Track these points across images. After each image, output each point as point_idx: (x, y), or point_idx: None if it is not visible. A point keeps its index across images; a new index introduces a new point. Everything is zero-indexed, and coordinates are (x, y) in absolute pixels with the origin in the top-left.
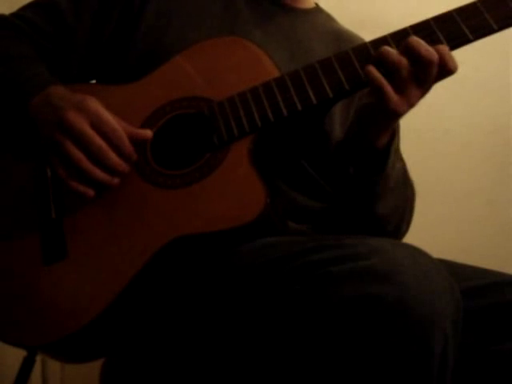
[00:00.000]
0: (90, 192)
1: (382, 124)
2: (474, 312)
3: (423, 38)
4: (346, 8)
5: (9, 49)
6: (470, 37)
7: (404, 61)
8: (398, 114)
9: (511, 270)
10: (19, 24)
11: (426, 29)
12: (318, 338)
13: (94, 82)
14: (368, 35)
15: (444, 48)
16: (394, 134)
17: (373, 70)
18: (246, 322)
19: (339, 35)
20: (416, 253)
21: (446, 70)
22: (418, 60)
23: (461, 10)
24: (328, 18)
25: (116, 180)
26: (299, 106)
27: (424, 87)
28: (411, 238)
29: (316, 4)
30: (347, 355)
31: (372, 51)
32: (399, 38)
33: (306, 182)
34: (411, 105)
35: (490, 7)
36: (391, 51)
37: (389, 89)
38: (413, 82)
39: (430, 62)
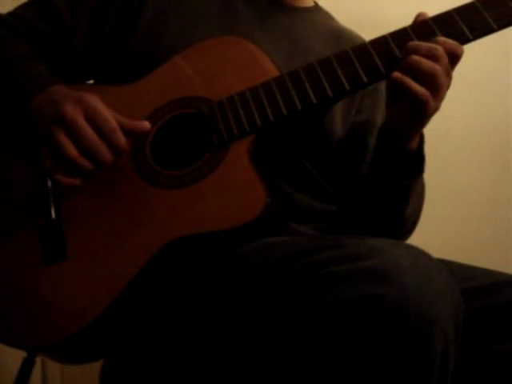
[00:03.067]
0: (75, 181)
1: (416, 127)
2: (474, 312)
3: (422, 37)
4: (346, 8)
5: (8, 49)
6: (470, 36)
7: (438, 67)
8: (433, 113)
9: (511, 270)
10: (16, 23)
11: (425, 28)
12: (319, 338)
13: (91, 82)
14: (367, 35)
15: (442, 38)
16: (423, 136)
17: (413, 84)
18: (246, 323)
19: (338, 34)
20: (416, 253)
21: (455, 58)
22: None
23: (460, 10)
24: (327, 16)
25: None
26: (299, 106)
27: (451, 78)
28: (411, 237)
29: (315, 3)
30: (347, 356)
31: (371, 50)
32: (399, 37)
33: (306, 182)
34: (442, 99)
35: (490, 6)
36: (423, 61)
37: (428, 96)
38: (445, 81)
39: (457, 56)
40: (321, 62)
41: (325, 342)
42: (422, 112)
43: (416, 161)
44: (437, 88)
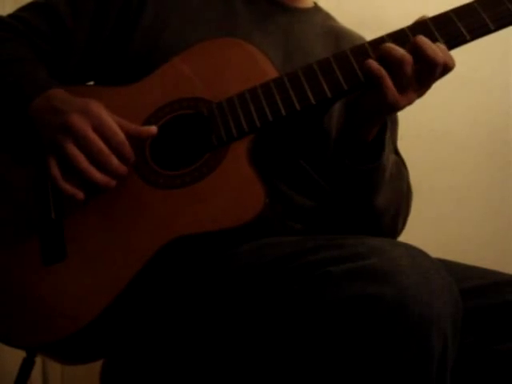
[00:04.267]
0: (81, 195)
1: (375, 119)
2: (473, 312)
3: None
4: (346, 8)
5: (8, 51)
6: (467, 37)
7: (408, 57)
8: (394, 109)
9: (511, 270)
10: (17, 25)
11: (423, 29)
12: (317, 337)
13: (91, 83)
14: (367, 35)
15: (443, 46)
16: (386, 126)
17: (372, 62)
18: (245, 323)
19: (338, 34)
20: (415, 253)
21: (447, 68)
22: (423, 59)
23: (458, 10)
24: (327, 16)
25: (113, 182)
26: (298, 106)
27: (425, 85)
28: (411, 238)
29: (315, 3)
30: (346, 355)
31: (370, 51)
32: (397, 38)
33: (304, 182)
34: (410, 102)
35: (487, 7)
36: (395, 47)
37: (388, 81)
38: (415, 80)
39: (436, 63)
40: (320, 62)
41: (324, 342)
42: (381, 98)
43: (375, 149)
44: (402, 78)
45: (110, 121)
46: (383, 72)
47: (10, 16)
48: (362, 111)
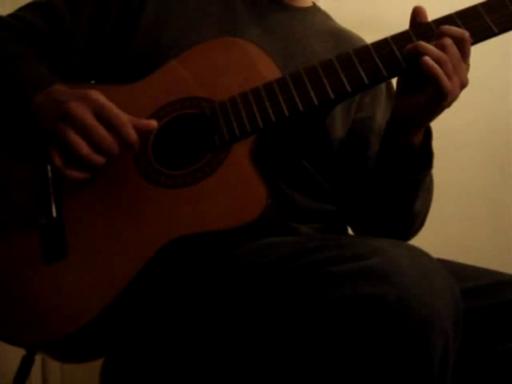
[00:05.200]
0: (86, 175)
1: (427, 119)
2: (474, 312)
3: (424, 40)
4: (346, 8)
5: (8, 49)
6: (472, 40)
7: (448, 41)
8: (452, 99)
9: (511, 270)
10: (17, 25)
11: (426, 31)
12: (318, 337)
13: (92, 82)
14: (367, 36)
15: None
16: (431, 133)
17: (429, 59)
18: (246, 322)
19: (337, 34)
20: (416, 253)
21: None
22: (457, 40)
23: (461, 13)
24: (325, 16)
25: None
26: (301, 107)
27: (466, 64)
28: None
29: (313, 3)
30: (347, 355)
31: (373, 53)
32: (400, 40)
33: (306, 183)
34: (463, 84)
35: (491, 10)
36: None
37: (442, 74)
38: (461, 60)
39: (464, 39)
40: (323, 63)
41: (325, 341)
42: (438, 93)
43: (423, 156)
44: (451, 64)
45: (111, 104)
46: (437, 68)
47: (10, 16)
48: (411, 113)
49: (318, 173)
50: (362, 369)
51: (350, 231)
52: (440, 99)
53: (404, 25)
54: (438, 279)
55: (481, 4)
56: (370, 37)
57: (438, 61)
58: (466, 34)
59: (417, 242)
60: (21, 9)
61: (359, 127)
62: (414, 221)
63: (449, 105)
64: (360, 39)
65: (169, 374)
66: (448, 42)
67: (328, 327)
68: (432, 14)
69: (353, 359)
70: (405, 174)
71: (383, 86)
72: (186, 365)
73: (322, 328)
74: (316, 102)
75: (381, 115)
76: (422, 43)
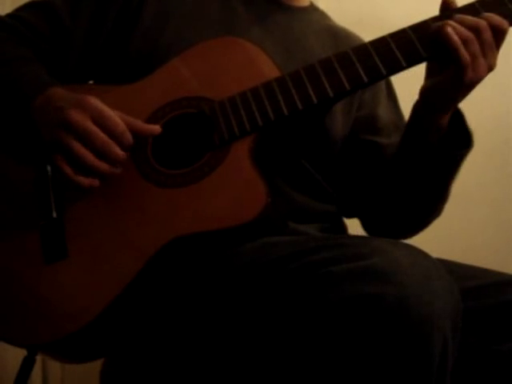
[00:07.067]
0: (97, 182)
1: (454, 99)
2: (474, 312)
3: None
4: (346, 8)
5: (7, 51)
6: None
7: (483, 22)
8: (477, 79)
9: (511, 270)
10: (15, 25)
11: (425, 29)
12: (318, 337)
13: (91, 82)
14: (367, 35)
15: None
16: (461, 113)
17: (451, 30)
18: (246, 322)
19: (335, 33)
20: (416, 253)
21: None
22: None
23: (460, 11)
24: (323, 15)
25: (119, 170)
26: (300, 106)
27: (494, 53)
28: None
29: (311, 2)
30: (347, 355)
31: (372, 51)
32: (399, 38)
33: (306, 182)
34: (491, 68)
35: (489, 8)
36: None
37: (469, 62)
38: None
39: (502, 30)
40: (321, 62)
41: (325, 341)
42: (460, 80)
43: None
44: (473, 56)
45: (108, 110)
46: (468, 57)
47: (9, 15)
48: (437, 94)
49: (318, 172)
50: (362, 368)
51: (349, 231)
52: (460, 74)
53: (403, 24)
54: (438, 279)
55: (478, 1)
56: (369, 36)
57: (463, 38)
58: (506, 23)
59: (417, 242)
60: (19, 8)
61: (361, 125)
62: (446, 199)
63: (472, 84)
64: (358, 38)
65: (169, 374)
66: (483, 24)
67: (328, 327)
68: (432, 12)
69: (353, 359)
70: (450, 149)
71: (383, 84)
72: (187, 364)
73: (322, 328)
74: (315, 101)
75: (382, 112)
76: (451, 22)
